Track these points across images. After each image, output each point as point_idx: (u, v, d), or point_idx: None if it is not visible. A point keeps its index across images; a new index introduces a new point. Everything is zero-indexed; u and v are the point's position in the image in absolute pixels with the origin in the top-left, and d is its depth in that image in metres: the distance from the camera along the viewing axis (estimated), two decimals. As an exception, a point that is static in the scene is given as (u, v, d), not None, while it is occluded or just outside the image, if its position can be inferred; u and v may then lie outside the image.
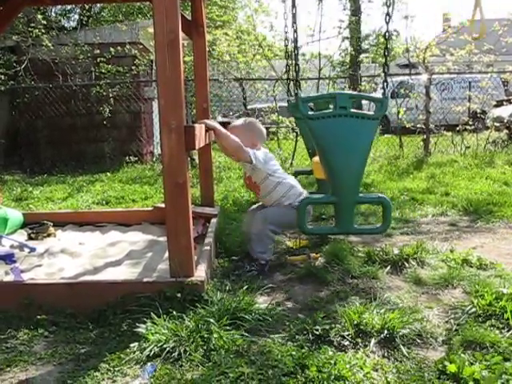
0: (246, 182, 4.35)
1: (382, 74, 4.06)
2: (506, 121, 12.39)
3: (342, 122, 3.80)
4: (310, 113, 3.89)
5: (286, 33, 5.27)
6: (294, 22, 4.11)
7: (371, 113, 3.90)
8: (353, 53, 12.36)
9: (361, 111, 4.01)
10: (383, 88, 3.99)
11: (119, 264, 4.06)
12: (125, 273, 3.81)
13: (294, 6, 4.06)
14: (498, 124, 11.89)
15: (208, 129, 3.93)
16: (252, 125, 4.28)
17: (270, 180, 4.13)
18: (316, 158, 4.65)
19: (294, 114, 5.46)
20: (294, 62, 4.09)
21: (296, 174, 5.74)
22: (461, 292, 3.45)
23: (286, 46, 5.49)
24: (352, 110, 3.83)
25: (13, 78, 11.44)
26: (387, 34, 3.95)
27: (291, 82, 5.73)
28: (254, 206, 4.52)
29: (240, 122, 4.34)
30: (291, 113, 5.75)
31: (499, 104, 14.29)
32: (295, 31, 4.14)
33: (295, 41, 4.13)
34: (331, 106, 4.13)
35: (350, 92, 5.18)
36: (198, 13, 5.19)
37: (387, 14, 3.91)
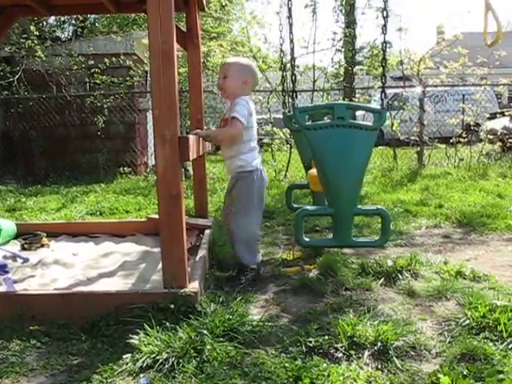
0: (221, 124, 4.22)
1: (380, 84, 4.07)
2: (499, 133, 12.43)
3: (339, 132, 3.80)
4: (308, 123, 3.89)
5: (282, 44, 5.29)
6: (291, 32, 4.14)
7: (370, 123, 3.90)
8: (346, 65, 12.37)
9: (359, 122, 4.01)
10: (381, 98, 3.99)
11: (112, 275, 4.04)
12: (118, 284, 3.80)
13: (290, 16, 4.09)
14: (491, 136, 11.92)
15: (203, 139, 3.95)
16: (249, 67, 4.15)
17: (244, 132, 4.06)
18: (312, 171, 4.64)
19: (290, 126, 5.46)
20: (291, 70, 4.11)
21: (292, 188, 5.74)
22: (454, 304, 3.45)
23: (282, 57, 5.51)
24: (350, 121, 3.83)
25: (7, 89, 11.45)
26: (384, 44, 3.97)
27: (286, 95, 5.73)
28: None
29: (237, 61, 4.19)
30: (287, 125, 5.74)
31: (493, 117, 14.35)
32: (291, 41, 4.17)
33: (291, 50, 4.16)
34: (326, 119, 4.14)
35: (348, 102, 5.18)
36: (192, 24, 5.20)
37: (384, 24, 3.93)
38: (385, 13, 3.97)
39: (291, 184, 6.22)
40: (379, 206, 4.21)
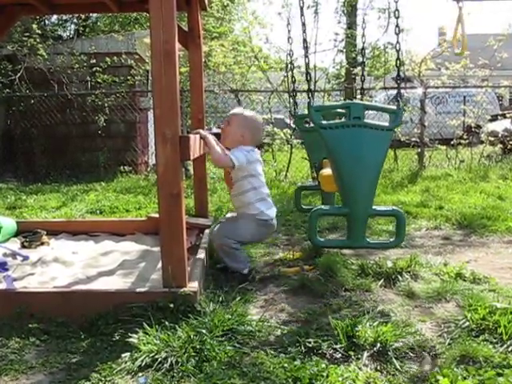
0: (226, 174, 4.27)
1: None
2: (500, 135, 12.44)
3: (356, 132, 3.79)
4: (324, 122, 3.89)
5: (291, 43, 5.31)
6: (304, 32, 4.18)
7: (386, 124, 3.92)
8: (347, 66, 12.36)
9: (375, 122, 4.02)
10: (397, 99, 4.02)
11: (112, 273, 4.03)
12: (117, 282, 3.79)
13: (302, 15, 4.12)
14: (492, 138, 11.93)
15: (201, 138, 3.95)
16: (251, 122, 4.23)
17: (247, 181, 4.08)
18: (324, 171, 4.63)
19: (300, 126, 5.47)
20: (305, 69, 4.14)
21: (301, 190, 5.74)
22: (454, 306, 3.44)
23: (291, 56, 5.53)
24: (366, 121, 3.83)
25: (8, 87, 11.45)
26: (398, 45, 4.02)
27: (295, 95, 5.73)
28: (223, 219, 4.55)
29: (242, 113, 4.28)
30: (296, 125, 5.74)
31: (494, 118, 14.34)
32: (305, 40, 4.20)
33: (306, 49, 4.18)
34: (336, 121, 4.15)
35: (364, 102, 5.20)
36: (194, 24, 5.20)
37: (396, 25, 3.98)
38: (397, 13, 4.02)
39: (300, 185, 6.19)
40: (394, 207, 4.23)
